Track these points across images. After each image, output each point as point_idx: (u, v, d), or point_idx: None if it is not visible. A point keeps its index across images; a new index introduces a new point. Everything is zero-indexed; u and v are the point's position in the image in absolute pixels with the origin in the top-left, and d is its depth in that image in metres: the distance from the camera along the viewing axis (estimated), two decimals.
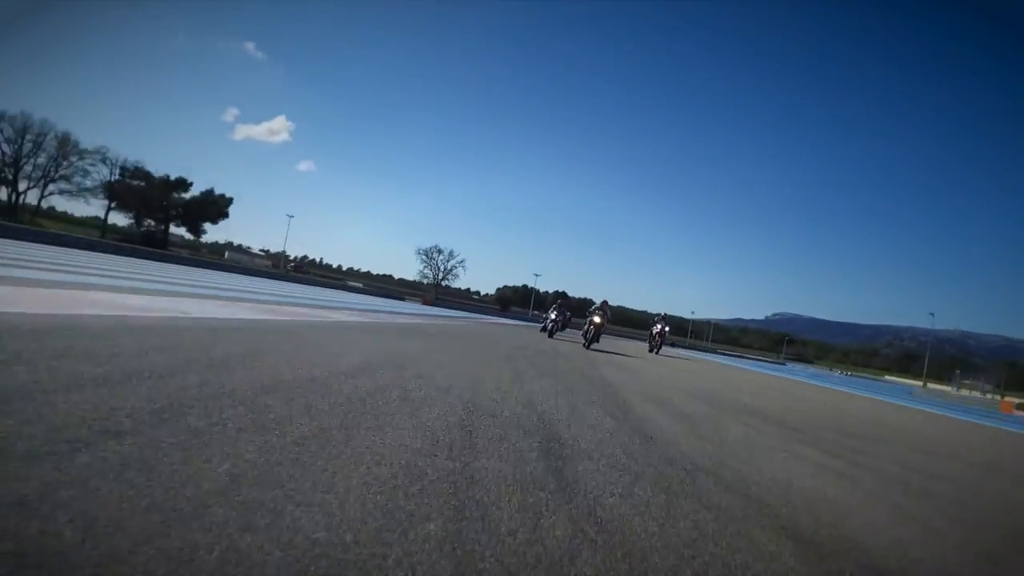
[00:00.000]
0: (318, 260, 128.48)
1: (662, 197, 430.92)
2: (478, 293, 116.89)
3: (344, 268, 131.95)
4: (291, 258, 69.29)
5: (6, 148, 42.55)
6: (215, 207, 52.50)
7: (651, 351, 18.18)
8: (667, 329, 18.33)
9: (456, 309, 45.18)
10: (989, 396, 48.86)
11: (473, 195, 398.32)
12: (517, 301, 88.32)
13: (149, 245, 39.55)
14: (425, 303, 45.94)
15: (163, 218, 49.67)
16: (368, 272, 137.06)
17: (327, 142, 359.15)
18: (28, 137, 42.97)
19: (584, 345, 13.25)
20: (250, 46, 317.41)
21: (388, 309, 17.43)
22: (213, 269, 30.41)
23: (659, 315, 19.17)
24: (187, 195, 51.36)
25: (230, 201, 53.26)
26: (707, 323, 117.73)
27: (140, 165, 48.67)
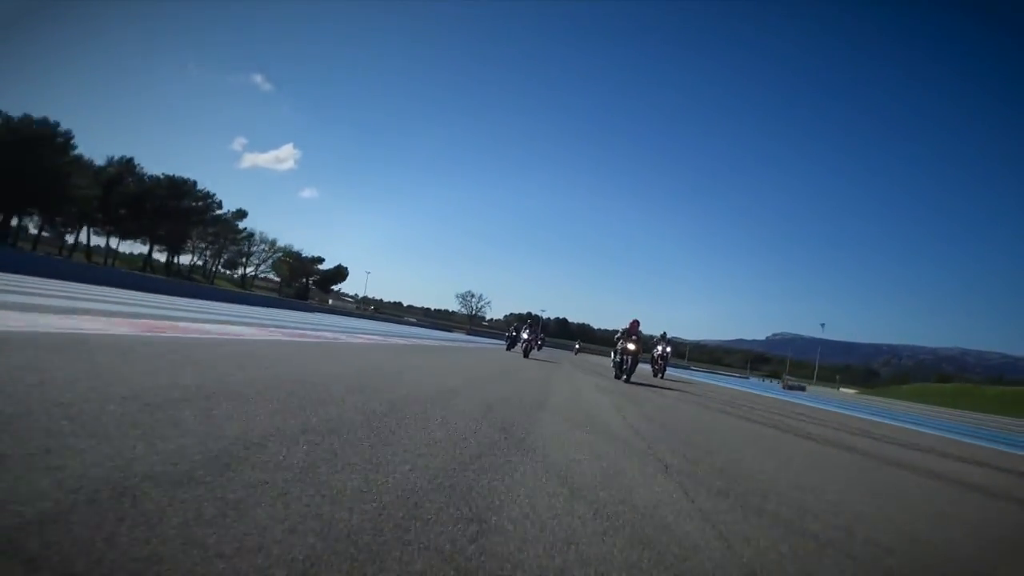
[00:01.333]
0: (380, 299, 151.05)
1: (665, 222, 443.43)
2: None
3: (404, 304, 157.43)
4: (370, 301, 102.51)
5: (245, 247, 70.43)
6: (340, 275, 79.92)
7: (655, 375, 16.50)
8: (669, 351, 16.83)
9: (484, 336, 60.06)
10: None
11: (477, 221, 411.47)
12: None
13: (300, 298, 61.68)
14: (466, 333, 64.99)
15: (306, 282, 74.94)
16: (425, 308, 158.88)
17: (331, 171, 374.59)
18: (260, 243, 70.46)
19: (616, 376, 11.44)
20: (258, 78, 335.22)
21: (448, 338, 26.48)
22: (333, 314, 41.69)
23: (660, 336, 17.58)
24: (322, 267, 77.58)
25: (347, 270, 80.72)
26: (683, 342, 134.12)
27: (293, 249, 74.07)
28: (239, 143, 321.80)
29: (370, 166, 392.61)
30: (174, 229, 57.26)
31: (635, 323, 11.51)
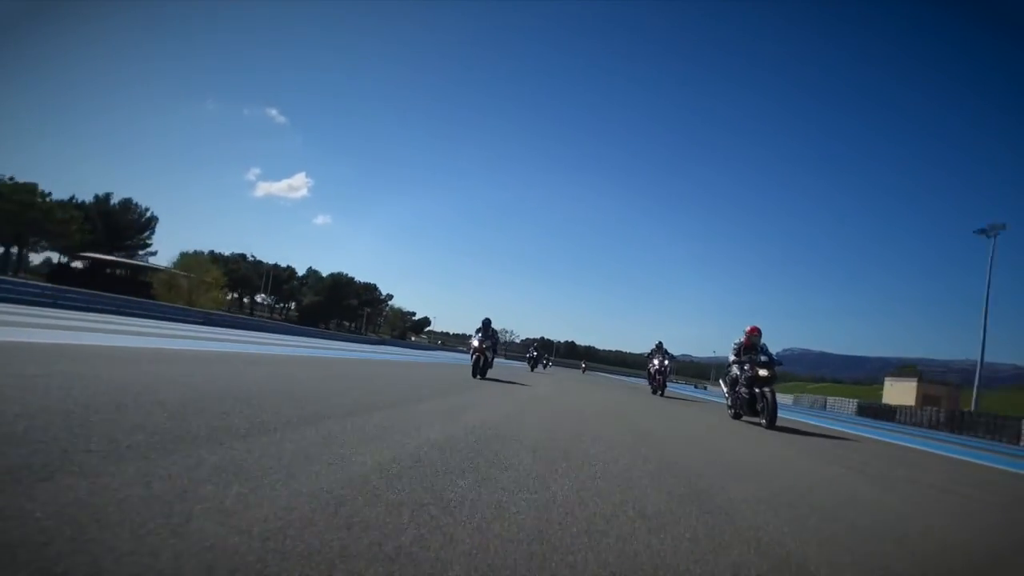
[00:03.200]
0: (446, 332, 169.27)
1: (669, 240, 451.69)
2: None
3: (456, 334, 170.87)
4: (438, 336, 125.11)
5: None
6: (426, 322, 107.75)
7: (654, 393, 14.36)
8: (668, 364, 14.49)
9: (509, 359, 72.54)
10: None
11: (483, 245, 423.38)
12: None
13: (402, 338, 77.50)
14: (503, 357, 78.47)
15: (403, 329, 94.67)
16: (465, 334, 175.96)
17: (344, 197, 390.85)
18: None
19: (653, 391, 13.98)
20: (273, 111, 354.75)
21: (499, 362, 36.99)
22: (426, 348, 53.77)
23: (656, 347, 14.93)
24: (415, 317, 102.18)
25: (430, 320, 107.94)
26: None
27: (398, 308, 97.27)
28: (253, 173, 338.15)
29: (378, 195, 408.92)
30: (369, 317, 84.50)
31: (660, 344, 14.34)
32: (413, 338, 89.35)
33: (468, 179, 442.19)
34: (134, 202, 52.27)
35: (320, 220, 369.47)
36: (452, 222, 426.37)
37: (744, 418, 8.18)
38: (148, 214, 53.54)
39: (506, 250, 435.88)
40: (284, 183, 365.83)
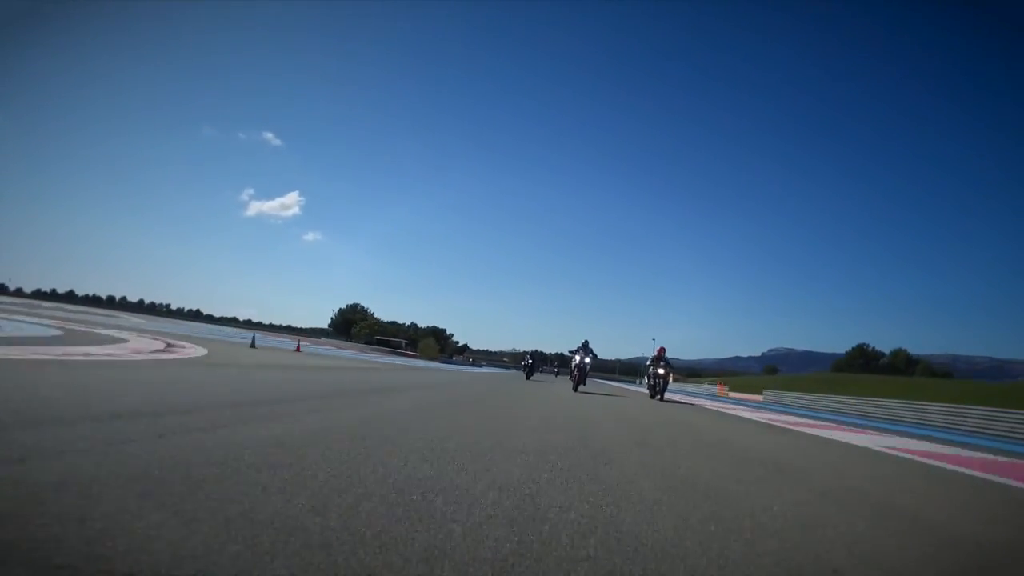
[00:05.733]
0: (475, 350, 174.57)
1: (661, 243, 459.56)
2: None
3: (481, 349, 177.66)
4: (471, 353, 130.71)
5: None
6: (466, 347, 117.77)
7: (652, 396, 12.94)
8: (662, 371, 12.80)
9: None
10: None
11: (468, 258, 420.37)
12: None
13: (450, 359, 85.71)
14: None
15: (443, 347, 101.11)
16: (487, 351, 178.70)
17: (334, 214, 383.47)
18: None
19: (651, 396, 12.84)
20: (269, 135, 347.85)
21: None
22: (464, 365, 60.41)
23: (657, 353, 13.31)
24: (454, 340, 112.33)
25: (467, 345, 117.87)
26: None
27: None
28: (247, 193, 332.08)
29: (370, 210, 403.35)
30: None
31: (662, 350, 13.28)
32: (455, 358, 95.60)
33: (461, 188, 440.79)
34: None
35: (310, 236, 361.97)
36: (447, 234, 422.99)
37: (655, 398, 12.71)
38: None
39: (501, 263, 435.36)
40: (276, 202, 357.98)
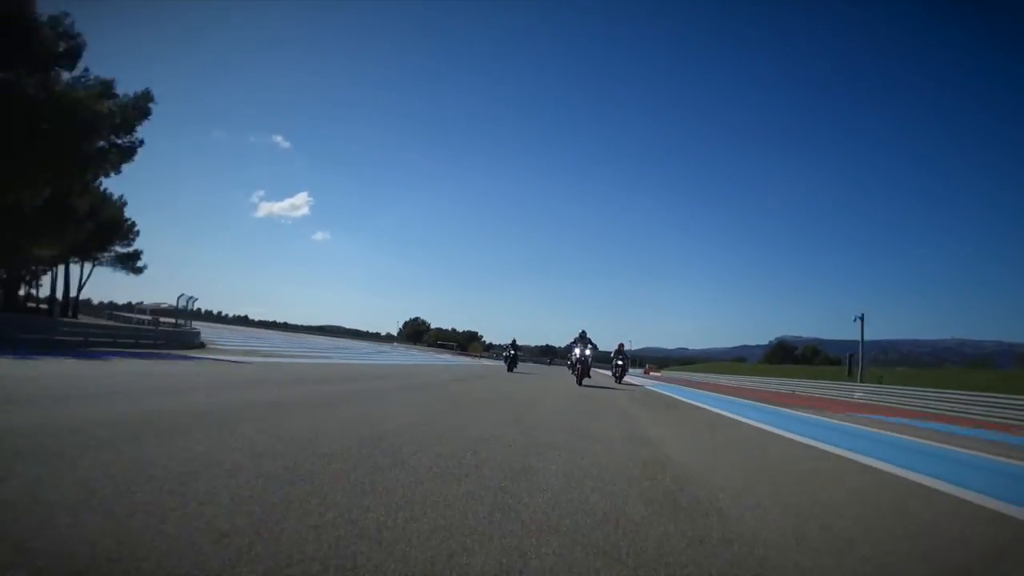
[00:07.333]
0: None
1: (661, 233, 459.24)
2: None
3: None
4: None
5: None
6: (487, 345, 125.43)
7: (580, 382, 13.81)
8: (623, 357, 18.14)
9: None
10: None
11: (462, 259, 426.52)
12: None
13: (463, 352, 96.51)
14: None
15: (456, 342, 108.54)
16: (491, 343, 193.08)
17: (343, 213, 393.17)
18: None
19: (578, 383, 13.23)
20: (278, 138, 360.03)
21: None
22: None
23: (618, 347, 18.54)
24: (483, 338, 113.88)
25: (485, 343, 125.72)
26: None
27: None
28: (257, 195, 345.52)
29: (378, 209, 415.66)
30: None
31: (621, 345, 17.81)
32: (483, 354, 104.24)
33: (460, 187, 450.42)
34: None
35: (319, 236, 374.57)
36: (452, 229, 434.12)
37: (619, 383, 16.20)
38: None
39: (504, 258, 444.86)
40: (286, 202, 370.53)
